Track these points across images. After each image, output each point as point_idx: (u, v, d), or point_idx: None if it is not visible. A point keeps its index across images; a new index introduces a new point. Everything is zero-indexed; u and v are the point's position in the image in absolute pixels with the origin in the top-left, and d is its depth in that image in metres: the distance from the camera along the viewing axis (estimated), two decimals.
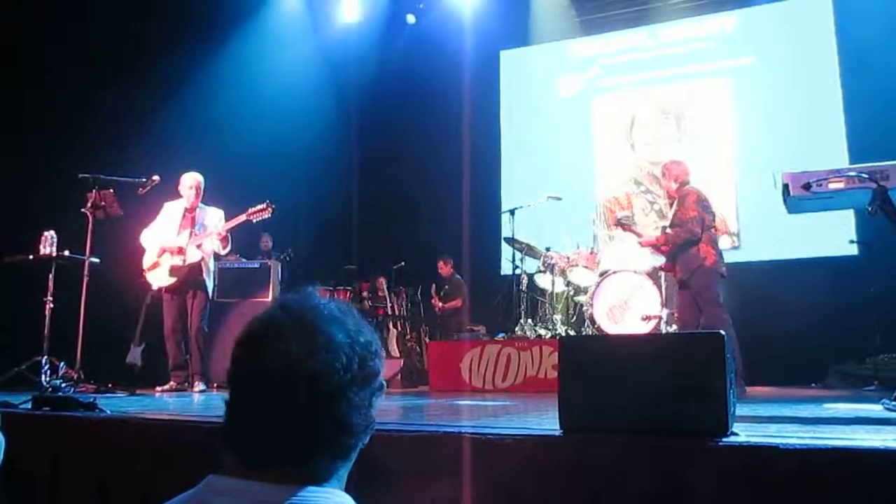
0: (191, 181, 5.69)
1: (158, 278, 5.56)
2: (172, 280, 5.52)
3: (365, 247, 9.26)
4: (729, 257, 7.51)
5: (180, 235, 5.60)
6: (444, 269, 8.65)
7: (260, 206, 5.55)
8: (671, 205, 5.28)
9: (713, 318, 4.76)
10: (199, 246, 5.55)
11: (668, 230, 5.11)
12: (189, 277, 5.55)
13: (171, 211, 5.70)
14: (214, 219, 5.71)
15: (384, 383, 1.04)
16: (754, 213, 7.76)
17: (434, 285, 8.72)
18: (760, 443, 1.82)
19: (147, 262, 5.61)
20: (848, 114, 7.54)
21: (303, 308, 0.99)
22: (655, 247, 5.41)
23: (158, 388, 5.40)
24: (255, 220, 5.61)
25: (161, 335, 5.68)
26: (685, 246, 4.98)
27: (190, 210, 5.68)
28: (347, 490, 0.99)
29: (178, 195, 5.72)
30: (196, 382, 5.44)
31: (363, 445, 1.03)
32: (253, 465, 0.93)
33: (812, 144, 7.54)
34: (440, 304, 8.55)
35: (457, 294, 8.49)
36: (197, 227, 5.64)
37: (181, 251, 5.52)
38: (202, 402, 4.39)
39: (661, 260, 6.05)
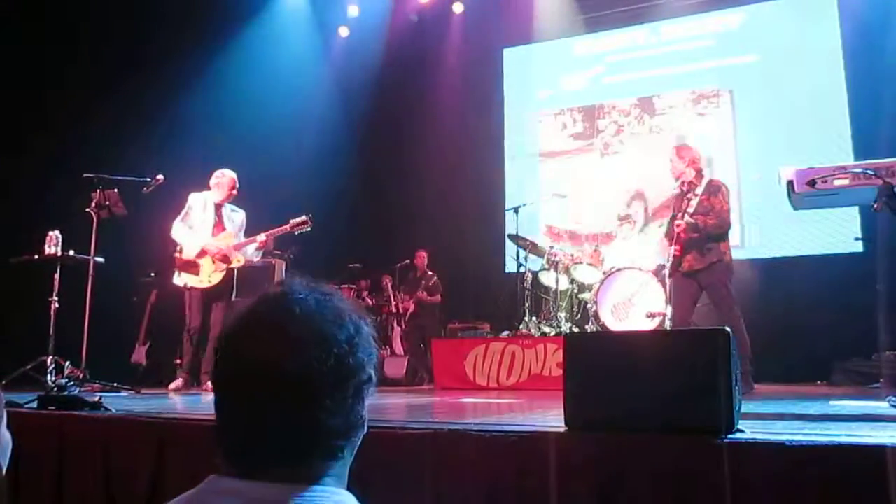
0: (230, 180, 5.60)
1: (194, 279, 5.44)
2: (209, 283, 5.42)
3: (369, 245, 9.26)
4: (733, 254, 7.54)
5: (218, 238, 5.50)
6: (422, 260, 8.51)
7: (301, 219, 5.52)
8: (686, 190, 5.06)
9: (730, 314, 4.73)
10: (237, 247, 5.52)
11: (697, 217, 4.86)
12: (224, 281, 5.48)
13: (201, 205, 5.56)
14: (239, 220, 5.68)
15: (373, 375, 0.99)
16: (759, 209, 7.74)
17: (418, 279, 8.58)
18: (766, 439, 1.82)
19: (180, 260, 5.47)
20: (853, 110, 7.51)
21: (277, 307, 0.96)
22: (682, 232, 4.98)
23: (171, 386, 5.40)
24: (296, 233, 5.57)
25: (167, 334, 5.67)
26: (713, 238, 4.87)
27: (219, 207, 5.60)
28: (351, 487, 0.98)
29: (200, 187, 5.62)
30: (209, 381, 5.42)
31: (359, 441, 1.00)
32: (241, 466, 0.92)
33: (817, 141, 7.52)
34: (428, 297, 8.36)
35: (438, 289, 8.40)
36: (227, 227, 5.58)
37: (226, 257, 5.45)
38: (208, 400, 4.40)
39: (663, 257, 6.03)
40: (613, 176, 8.54)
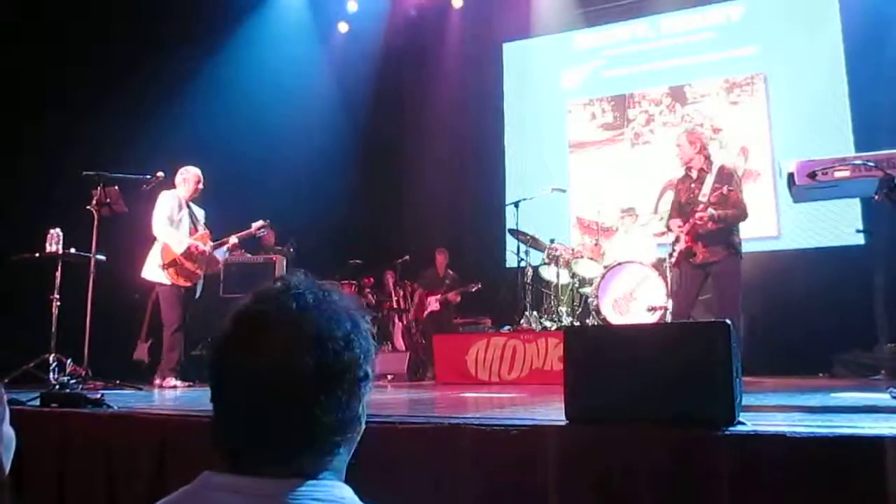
0: (196, 176, 5.72)
1: (182, 276, 5.54)
2: (193, 280, 5.59)
3: (370, 241, 9.26)
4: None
5: (195, 236, 5.64)
6: (443, 261, 8.52)
7: (260, 223, 5.92)
8: (699, 177, 4.90)
9: (733, 306, 4.64)
10: (214, 248, 5.72)
11: (716, 208, 4.70)
12: (202, 280, 5.73)
13: (177, 204, 5.63)
14: (202, 218, 5.82)
15: (370, 372, 0.99)
16: (759, 203, 7.73)
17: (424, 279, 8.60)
18: (767, 431, 1.82)
19: (167, 257, 5.52)
20: (854, 102, 7.49)
21: (273, 304, 0.96)
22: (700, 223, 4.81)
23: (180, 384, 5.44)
24: (256, 235, 6.05)
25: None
26: (729, 230, 4.75)
27: (187, 205, 5.69)
28: (351, 481, 0.99)
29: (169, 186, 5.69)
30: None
31: (357, 438, 1.00)
32: (238, 462, 0.93)
33: (817, 133, 7.51)
34: (458, 298, 8.33)
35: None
36: (199, 227, 5.72)
37: (213, 259, 5.73)
38: (209, 396, 4.40)
39: (664, 251, 6.02)
40: (644, 166, 8.36)
